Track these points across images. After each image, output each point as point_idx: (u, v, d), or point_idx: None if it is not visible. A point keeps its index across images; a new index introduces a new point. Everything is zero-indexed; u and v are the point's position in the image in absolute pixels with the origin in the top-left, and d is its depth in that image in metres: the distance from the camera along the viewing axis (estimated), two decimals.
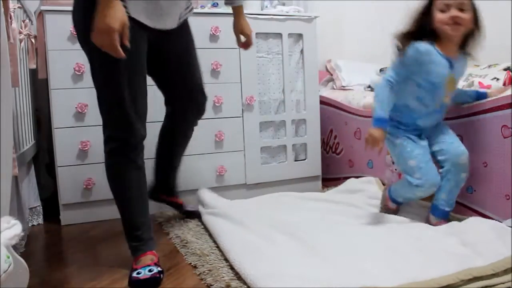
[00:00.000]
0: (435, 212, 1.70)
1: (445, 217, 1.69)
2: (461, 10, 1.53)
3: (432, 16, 1.57)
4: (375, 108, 1.63)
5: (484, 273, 1.19)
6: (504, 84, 2.00)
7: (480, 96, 1.74)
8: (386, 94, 1.62)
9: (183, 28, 1.58)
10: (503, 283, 1.19)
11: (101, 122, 2.02)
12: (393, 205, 1.81)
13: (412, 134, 1.68)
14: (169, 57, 1.57)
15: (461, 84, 2.19)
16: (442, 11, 1.55)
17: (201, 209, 1.93)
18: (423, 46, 1.57)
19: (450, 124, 1.82)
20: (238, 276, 1.30)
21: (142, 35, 1.38)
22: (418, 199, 1.77)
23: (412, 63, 1.59)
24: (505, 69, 2.25)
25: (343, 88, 2.75)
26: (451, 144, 1.68)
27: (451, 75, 1.62)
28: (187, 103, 1.70)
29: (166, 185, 1.86)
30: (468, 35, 1.61)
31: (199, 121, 2.20)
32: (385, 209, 1.82)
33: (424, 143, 1.68)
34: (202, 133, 2.21)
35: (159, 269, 1.36)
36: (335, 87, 2.88)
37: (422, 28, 1.58)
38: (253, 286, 1.21)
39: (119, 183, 1.43)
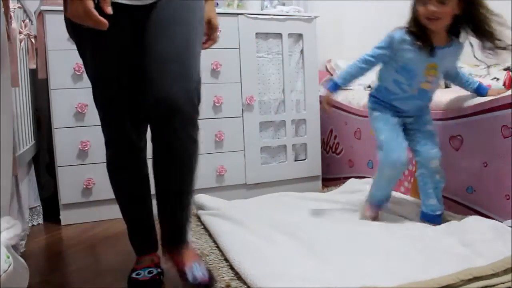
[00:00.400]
0: (425, 218, 1.70)
1: (437, 222, 1.67)
2: (441, 2, 1.51)
3: (416, 9, 1.58)
4: (338, 74, 1.72)
5: (484, 273, 1.19)
6: (504, 84, 2.00)
7: (480, 90, 1.74)
8: (354, 67, 1.70)
9: None
10: (503, 283, 1.18)
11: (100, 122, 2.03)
12: (372, 213, 1.74)
13: (388, 110, 1.71)
14: (148, 38, 1.18)
15: None
16: (423, 4, 1.54)
17: (200, 212, 1.93)
18: (398, 34, 1.61)
19: (450, 124, 1.82)
20: (238, 276, 1.30)
21: (119, 22, 1.11)
22: (389, 184, 1.71)
23: (387, 48, 1.64)
24: (505, 69, 2.26)
25: (343, 88, 2.75)
26: (424, 145, 1.69)
27: (431, 63, 1.61)
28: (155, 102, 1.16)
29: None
30: (458, 22, 1.59)
31: (199, 121, 2.20)
32: (364, 218, 1.76)
33: (395, 120, 1.69)
34: (202, 133, 2.21)
35: (159, 270, 1.35)
36: None
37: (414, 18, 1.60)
38: (253, 286, 1.21)
39: (119, 186, 1.37)
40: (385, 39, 1.64)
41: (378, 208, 1.75)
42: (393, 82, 1.68)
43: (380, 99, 1.74)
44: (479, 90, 1.74)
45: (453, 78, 1.81)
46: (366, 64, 1.69)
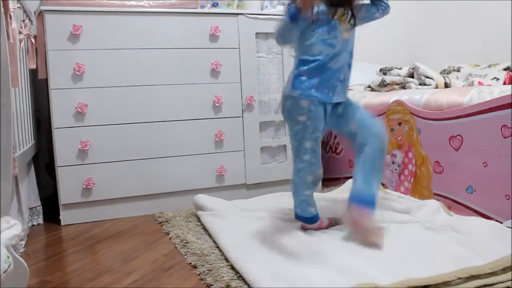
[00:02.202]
0: (354, 199, 1.52)
1: (368, 205, 1.49)
2: None
3: None
4: (282, 21, 1.55)
5: (482, 272, 1.19)
6: (504, 84, 2.00)
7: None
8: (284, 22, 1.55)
9: None
10: (502, 282, 1.19)
11: (100, 122, 2.04)
12: (317, 225, 1.65)
13: (322, 106, 1.53)
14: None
15: (461, 84, 2.20)
16: None
17: (200, 212, 1.93)
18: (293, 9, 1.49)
19: (450, 124, 1.82)
20: (238, 276, 1.30)
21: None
22: (310, 187, 1.61)
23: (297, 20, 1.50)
24: (505, 69, 2.26)
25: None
26: (366, 120, 1.59)
27: (339, 11, 1.49)
28: None
29: None
30: None
31: (199, 122, 2.21)
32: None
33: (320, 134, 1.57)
34: (202, 133, 2.22)
35: None
36: None
37: None
38: (254, 286, 1.21)
39: None
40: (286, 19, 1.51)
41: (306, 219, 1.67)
42: (321, 42, 1.49)
43: (313, 77, 1.51)
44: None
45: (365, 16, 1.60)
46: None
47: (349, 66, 1.57)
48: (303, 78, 1.52)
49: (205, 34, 2.20)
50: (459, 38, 2.84)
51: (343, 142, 2.57)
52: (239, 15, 2.27)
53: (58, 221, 2.02)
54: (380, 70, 2.51)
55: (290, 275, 1.25)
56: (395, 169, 2.16)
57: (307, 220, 1.65)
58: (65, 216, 2.02)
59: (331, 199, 2.08)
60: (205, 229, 1.77)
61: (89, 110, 2.00)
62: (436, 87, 2.18)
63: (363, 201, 1.49)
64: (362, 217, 1.48)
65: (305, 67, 1.51)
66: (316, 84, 1.50)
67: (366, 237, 1.46)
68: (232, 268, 1.36)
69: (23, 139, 1.78)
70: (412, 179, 2.06)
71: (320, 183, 1.61)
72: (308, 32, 1.51)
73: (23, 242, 1.71)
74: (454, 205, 1.82)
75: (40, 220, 2.03)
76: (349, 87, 1.62)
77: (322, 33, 1.49)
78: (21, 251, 1.64)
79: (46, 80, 1.98)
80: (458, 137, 1.79)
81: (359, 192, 1.52)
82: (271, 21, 2.35)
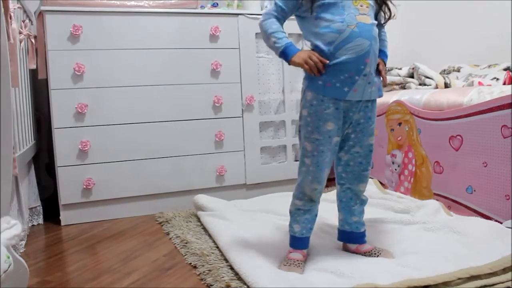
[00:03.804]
0: (349, 239, 1.43)
1: (363, 241, 1.43)
2: None
3: None
4: (274, 42, 1.28)
5: (482, 272, 1.19)
6: (504, 84, 2.00)
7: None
8: (274, 26, 1.29)
9: None
10: (502, 283, 1.19)
11: (100, 122, 2.04)
12: (296, 255, 1.35)
13: (326, 106, 1.27)
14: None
15: (461, 84, 2.20)
16: None
17: (200, 212, 1.93)
18: None
19: (450, 124, 1.82)
20: (238, 276, 1.30)
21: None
22: (308, 206, 1.38)
23: None
24: (505, 69, 2.26)
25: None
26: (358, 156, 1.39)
27: None
28: None
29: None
30: None
31: (199, 122, 2.21)
32: (288, 265, 1.32)
33: (332, 126, 1.29)
34: (202, 133, 2.22)
35: None
36: None
37: None
38: (253, 286, 1.21)
39: None
40: None
41: (302, 244, 1.38)
42: (325, 28, 1.25)
43: (322, 75, 1.26)
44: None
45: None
46: (277, 21, 1.31)
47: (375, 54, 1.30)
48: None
49: (205, 34, 2.20)
50: (459, 38, 2.83)
51: None
52: (239, 15, 2.27)
53: (58, 221, 2.02)
54: None
55: (290, 275, 1.25)
56: (395, 169, 2.16)
57: (293, 240, 1.38)
58: (65, 216, 2.02)
59: (331, 200, 2.08)
60: (205, 229, 1.77)
61: (89, 110, 2.00)
62: (436, 87, 2.18)
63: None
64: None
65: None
66: (325, 77, 1.26)
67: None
68: (232, 268, 1.36)
69: (23, 139, 1.78)
70: (412, 179, 2.06)
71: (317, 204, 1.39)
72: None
73: (23, 242, 1.71)
74: (454, 205, 1.82)
75: (40, 220, 2.03)
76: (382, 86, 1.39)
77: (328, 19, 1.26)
78: (21, 251, 1.64)
79: (46, 80, 1.98)
80: (458, 137, 1.79)
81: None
82: None
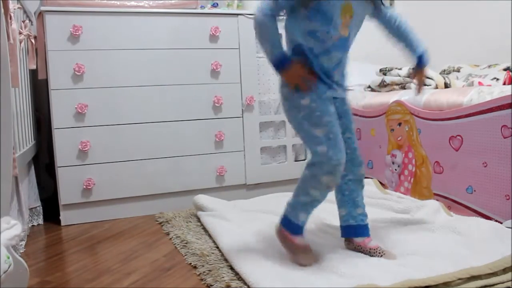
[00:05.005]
0: (355, 232, 1.43)
1: (367, 233, 1.43)
2: None
3: None
4: (269, 49, 1.31)
5: (482, 272, 1.19)
6: (504, 84, 2.00)
7: (420, 62, 1.45)
8: (273, 30, 1.29)
9: None
10: (502, 283, 1.19)
11: (100, 123, 2.04)
12: (299, 239, 1.35)
13: (322, 91, 1.32)
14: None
15: (461, 84, 2.20)
16: None
17: (200, 212, 1.93)
18: None
19: (450, 125, 1.82)
20: (238, 277, 1.30)
21: None
22: (324, 195, 1.35)
23: None
24: (505, 69, 2.26)
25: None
26: (354, 148, 1.42)
27: (346, 3, 1.28)
28: None
29: None
30: None
31: (199, 122, 2.21)
32: (291, 250, 1.35)
33: (333, 108, 1.34)
34: (202, 133, 2.22)
35: None
36: None
37: None
38: (254, 286, 1.21)
39: None
40: None
41: (300, 229, 1.37)
42: (308, 34, 1.29)
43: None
44: (419, 61, 1.45)
45: (386, 23, 1.45)
46: (274, 20, 1.30)
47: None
48: None
49: (205, 34, 2.20)
50: (459, 38, 2.84)
51: None
52: (239, 15, 2.27)
53: (58, 222, 2.02)
54: (380, 70, 2.51)
55: (290, 275, 1.25)
56: (395, 169, 2.16)
57: (294, 228, 1.36)
58: (65, 217, 2.02)
59: (331, 200, 2.08)
60: (205, 229, 1.77)
61: (89, 110, 2.00)
62: (436, 87, 2.18)
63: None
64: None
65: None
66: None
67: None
68: (232, 268, 1.36)
69: (23, 139, 1.78)
70: (412, 179, 2.06)
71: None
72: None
73: (23, 243, 1.71)
74: (454, 205, 1.82)
75: (40, 221, 2.03)
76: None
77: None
78: (21, 251, 1.64)
79: (46, 80, 1.98)
80: (458, 137, 1.79)
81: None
82: None
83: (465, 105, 1.76)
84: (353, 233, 1.44)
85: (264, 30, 1.30)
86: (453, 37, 2.87)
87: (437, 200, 1.87)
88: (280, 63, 1.32)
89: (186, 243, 1.63)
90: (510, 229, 1.50)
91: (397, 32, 1.46)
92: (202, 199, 1.99)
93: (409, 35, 1.46)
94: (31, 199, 1.97)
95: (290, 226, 1.36)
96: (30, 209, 1.96)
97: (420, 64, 1.46)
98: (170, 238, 1.74)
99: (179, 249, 1.61)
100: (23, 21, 1.83)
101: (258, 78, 2.35)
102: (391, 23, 1.45)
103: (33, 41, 1.91)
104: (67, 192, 2.00)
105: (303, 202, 1.35)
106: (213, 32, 2.20)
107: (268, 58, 1.34)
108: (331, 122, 1.31)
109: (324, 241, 1.54)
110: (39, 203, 2.04)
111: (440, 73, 2.44)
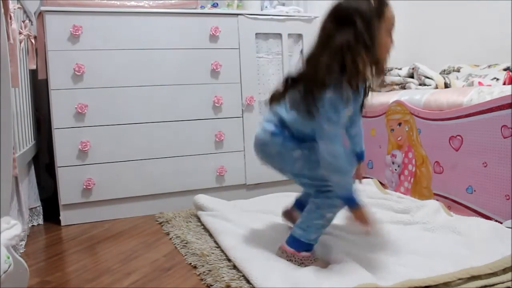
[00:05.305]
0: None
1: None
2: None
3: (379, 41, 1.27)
4: (345, 182, 1.29)
5: (482, 272, 1.20)
6: (504, 84, 2.00)
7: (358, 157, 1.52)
8: (347, 162, 1.29)
9: None
10: (502, 283, 1.19)
11: (100, 123, 2.04)
12: (312, 256, 1.36)
13: None
14: None
15: (461, 84, 2.20)
16: (389, 35, 1.32)
17: (200, 212, 1.93)
18: (344, 91, 1.23)
19: (450, 125, 1.82)
20: (238, 277, 1.30)
21: None
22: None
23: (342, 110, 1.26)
24: (505, 69, 2.25)
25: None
26: None
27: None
28: None
29: None
30: None
31: (199, 122, 2.21)
32: (299, 263, 1.34)
33: None
34: (202, 133, 2.22)
35: None
36: None
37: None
38: (256, 286, 1.21)
39: None
40: (333, 109, 1.23)
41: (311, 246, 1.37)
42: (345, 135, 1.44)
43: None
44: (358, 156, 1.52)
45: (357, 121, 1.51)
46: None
47: None
48: None
49: (205, 34, 2.20)
50: (459, 38, 2.83)
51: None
52: (239, 16, 2.27)
53: (58, 222, 2.02)
54: None
55: (291, 275, 1.25)
56: (395, 169, 2.16)
57: (303, 246, 1.36)
58: (65, 217, 2.02)
59: None
60: (205, 229, 1.77)
61: (89, 110, 2.00)
62: (436, 87, 2.18)
63: None
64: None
65: None
66: None
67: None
68: (232, 268, 1.36)
69: (23, 139, 1.78)
70: (412, 179, 2.06)
71: None
72: None
73: (23, 243, 1.71)
74: (454, 205, 1.82)
75: (40, 221, 2.03)
76: None
77: None
78: (21, 251, 1.64)
79: (46, 80, 1.98)
80: (458, 137, 1.79)
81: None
82: (271, 21, 2.35)
83: (465, 105, 1.76)
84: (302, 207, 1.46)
85: (342, 163, 1.26)
86: (453, 37, 2.87)
87: (437, 200, 1.88)
88: (355, 199, 1.29)
89: (186, 243, 1.63)
90: (510, 229, 1.50)
91: (354, 130, 1.50)
92: (202, 199, 1.99)
93: (359, 136, 1.53)
94: (31, 199, 1.97)
95: (299, 245, 1.35)
96: (30, 209, 1.96)
97: (359, 160, 1.52)
98: (170, 238, 1.74)
99: (179, 249, 1.61)
100: (23, 21, 1.83)
101: (258, 78, 2.35)
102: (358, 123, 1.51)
103: (33, 41, 1.91)
104: (67, 192, 2.00)
105: (318, 225, 1.36)
106: (213, 32, 2.20)
107: (340, 190, 1.30)
108: None
109: (325, 240, 1.54)
110: (39, 203, 2.04)
111: (440, 73, 2.43)
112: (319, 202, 1.36)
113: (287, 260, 1.36)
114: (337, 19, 1.26)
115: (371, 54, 1.23)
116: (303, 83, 1.29)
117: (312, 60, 1.29)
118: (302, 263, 1.34)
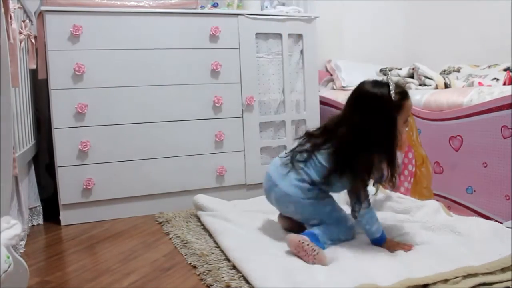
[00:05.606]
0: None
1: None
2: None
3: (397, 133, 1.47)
4: (376, 231, 1.48)
5: (479, 272, 1.20)
6: (504, 84, 2.00)
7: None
8: (375, 217, 1.49)
9: None
10: (501, 282, 1.19)
11: (100, 122, 2.04)
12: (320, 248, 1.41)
13: None
14: None
15: (461, 84, 2.20)
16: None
17: (200, 212, 1.93)
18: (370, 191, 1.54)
19: (450, 125, 1.82)
20: (238, 277, 1.30)
21: None
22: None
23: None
24: (505, 69, 2.26)
25: (343, 89, 2.75)
26: None
27: None
28: None
29: None
30: None
31: (199, 122, 2.21)
32: (308, 253, 1.39)
33: None
34: (202, 133, 2.22)
35: None
36: (335, 87, 2.88)
37: None
38: (256, 286, 1.21)
39: None
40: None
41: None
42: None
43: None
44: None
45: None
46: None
47: None
48: None
49: (205, 34, 2.20)
50: (459, 38, 2.84)
51: None
52: (239, 16, 2.27)
53: (58, 221, 2.01)
54: (380, 70, 2.51)
55: (292, 275, 1.25)
56: None
57: (317, 242, 1.44)
58: (65, 216, 2.02)
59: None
60: (205, 229, 1.77)
61: (89, 110, 2.00)
62: (436, 87, 2.18)
63: None
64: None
65: None
66: None
67: None
68: (232, 268, 1.36)
69: (23, 139, 1.78)
70: (412, 179, 2.06)
71: None
72: None
73: (23, 242, 1.71)
74: (454, 205, 1.82)
75: (40, 220, 2.03)
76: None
77: None
78: (21, 251, 1.64)
79: (46, 80, 1.98)
80: (458, 137, 1.79)
81: None
82: (271, 22, 2.35)
83: (465, 105, 1.77)
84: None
85: (375, 218, 1.48)
86: (453, 37, 2.87)
87: (437, 200, 1.88)
88: (382, 239, 1.48)
89: (186, 243, 1.63)
90: (510, 229, 1.51)
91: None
92: (202, 199, 1.99)
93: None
94: (31, 199, 1.97)
95: (315, 240, 1.43)
96: (30, 209, 1.96)
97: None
98: (170, 238, 1.74)
99: (179, 249, 1.61)
100: (23, 21, 1.83)
101: (258, 78, 2.35)
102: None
103: (33, 41, 1.91)
104: (67, 192, 2.00)
105: (334, 239, 1.50)
106: (213, 32, 2.20)
107: (371, 236, 1.49)
108: None
109: None
110: (39, 203, 2.04)
111: (440, 73, 2.44)
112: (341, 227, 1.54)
113: (296, 251, 1.39)
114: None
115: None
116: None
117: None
118: (314, 251, 1.37)
